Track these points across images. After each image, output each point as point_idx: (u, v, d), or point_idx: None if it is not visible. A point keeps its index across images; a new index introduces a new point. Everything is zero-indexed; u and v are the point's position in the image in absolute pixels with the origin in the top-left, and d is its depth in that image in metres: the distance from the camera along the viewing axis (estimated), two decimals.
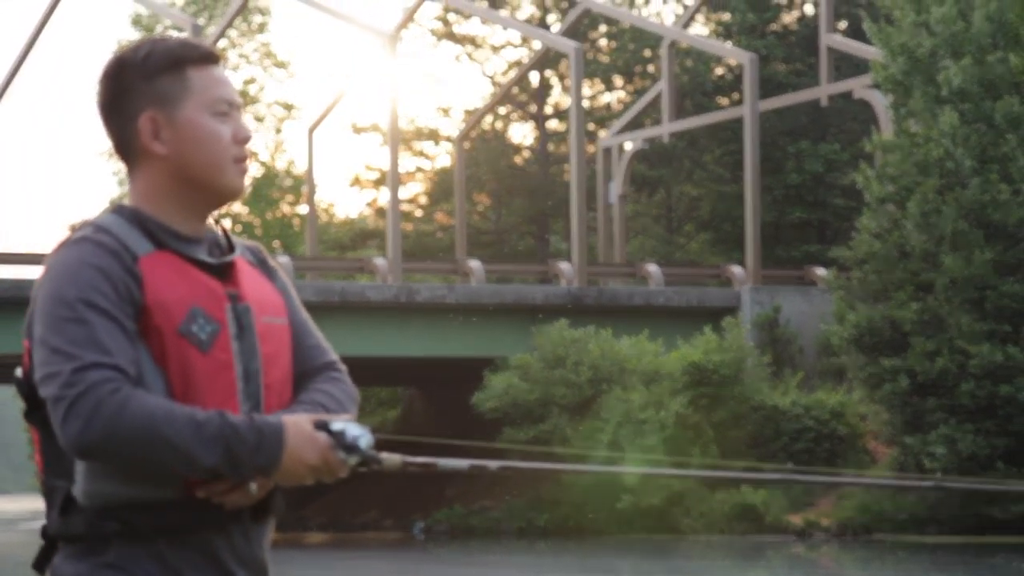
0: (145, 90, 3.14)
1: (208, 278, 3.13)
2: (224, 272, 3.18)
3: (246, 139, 3.19)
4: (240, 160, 3.18)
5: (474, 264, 39.22)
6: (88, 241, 3.08)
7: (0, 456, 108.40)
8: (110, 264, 3.06)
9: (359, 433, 3.06)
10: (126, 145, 3.18)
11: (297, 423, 3.03)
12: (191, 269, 3.13)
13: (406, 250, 45.41)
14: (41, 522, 3.35)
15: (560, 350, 35.63)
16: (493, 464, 3.20)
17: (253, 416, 3.03)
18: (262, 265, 3.30)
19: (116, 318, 3.02)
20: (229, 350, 3.10)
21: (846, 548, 30.58)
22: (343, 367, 3.32)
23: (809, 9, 50.69)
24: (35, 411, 3.12)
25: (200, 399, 3.05)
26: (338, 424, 3.07)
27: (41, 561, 3.15)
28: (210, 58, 3.19)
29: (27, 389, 3.10)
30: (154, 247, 3.11)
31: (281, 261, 36.80)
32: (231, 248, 3.24)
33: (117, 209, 3.17)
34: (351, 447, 3.05)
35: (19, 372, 3.14)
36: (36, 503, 62.74)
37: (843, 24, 48.81)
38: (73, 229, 3.12)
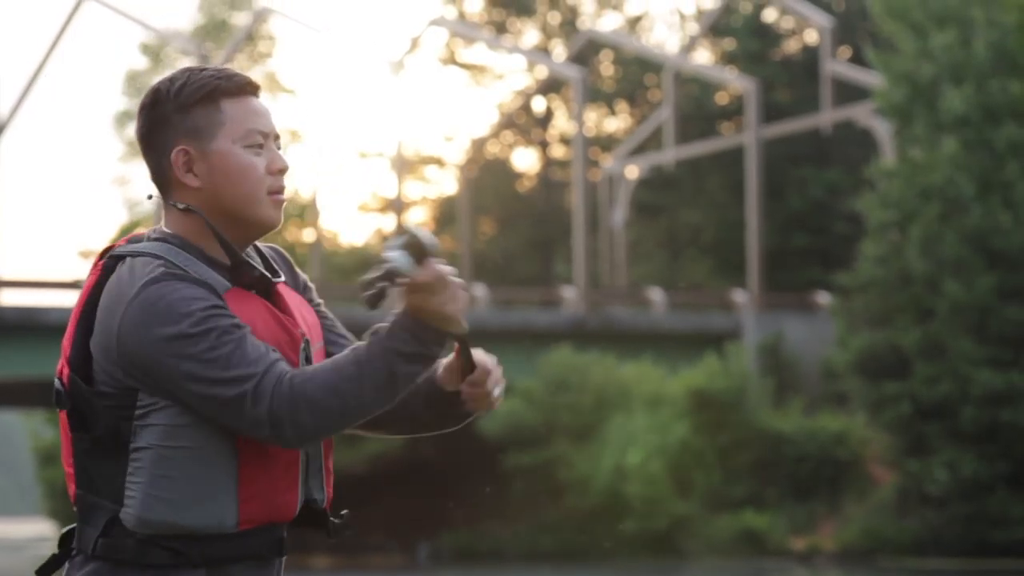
0: (178, 123, 3.07)
1: (284, 317, 3.10)
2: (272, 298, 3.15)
3: (282, 170, 3.14)
4: (275, 192, 3.13)
5: (479, 290, 39.37)
6: (171, 277, 2.99)
7: (7, 479, 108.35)
8: (207, 295, 3.00)
9: (392, 255, 3.10)
10: (161, 177, 3.11)
11: (403, 305, 3.18)
12: (268, 308, 3.09)
13: None
14: (47, 544, 3.34)
15: (564, 375, 35.73)
16: None
17: (377, 328, 3.16)
18: (289, 271, 3.27)
19: (239, 325, 2.99)
20: None
21: (848, 572, 30.66)
22: None
23: (811, 36, 50.91)
24: (81, 421, 3.01)
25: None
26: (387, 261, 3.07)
27: (47, 569, 3.08)
28: (246, 88, 3.11)
29: (70, 402, 3.00)
30: (229, 283, 3.06)
31: None
32: (273, 273, 3.20)
33: (163, 237, 3.09)
34: (391, 272, 3.11)
35: (58, 384, 3.03)
36: (42, 526, 62.63)
37: (845, 51, 49.03)
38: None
